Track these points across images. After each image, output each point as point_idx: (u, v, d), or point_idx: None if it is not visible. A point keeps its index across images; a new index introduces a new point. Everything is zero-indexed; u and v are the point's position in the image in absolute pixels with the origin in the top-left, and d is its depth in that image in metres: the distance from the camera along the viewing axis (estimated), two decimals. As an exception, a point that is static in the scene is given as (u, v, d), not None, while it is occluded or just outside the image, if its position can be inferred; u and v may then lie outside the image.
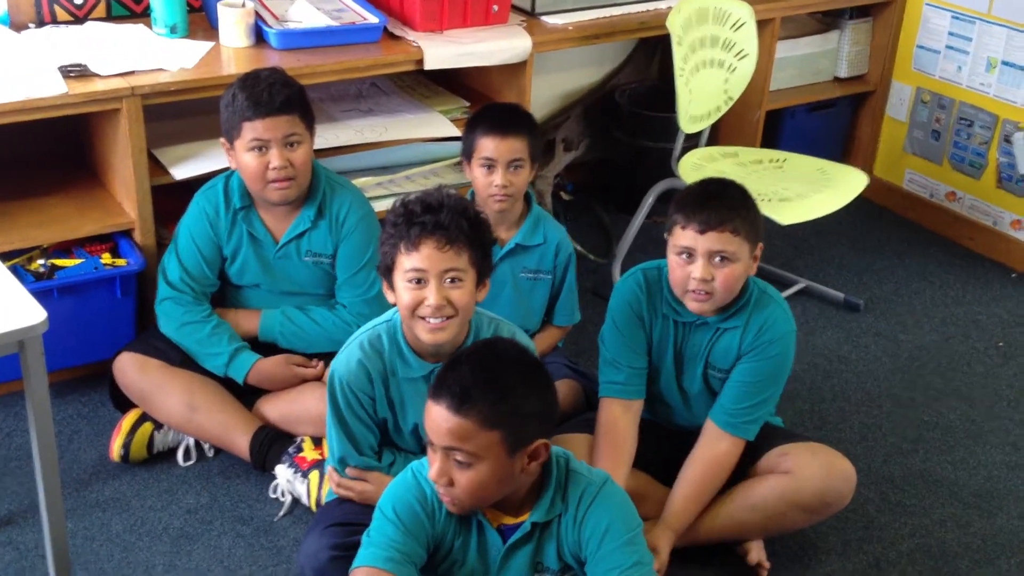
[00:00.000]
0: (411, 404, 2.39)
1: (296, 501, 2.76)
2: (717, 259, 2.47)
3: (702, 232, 2.46)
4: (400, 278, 2.26)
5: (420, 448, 2.42)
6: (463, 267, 2.24)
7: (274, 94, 2.71)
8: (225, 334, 2.88)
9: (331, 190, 2.90)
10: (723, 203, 2.49)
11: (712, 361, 2.62)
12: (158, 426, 2.87)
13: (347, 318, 2.91)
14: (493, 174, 2.85)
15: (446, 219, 2.21)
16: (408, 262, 2.23)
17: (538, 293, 3.02)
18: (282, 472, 2.76)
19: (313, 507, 2.70)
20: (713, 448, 2.60)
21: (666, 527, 2.56)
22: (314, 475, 2.71)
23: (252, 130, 2.72)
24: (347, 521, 2.38)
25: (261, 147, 2.73)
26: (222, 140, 2.81)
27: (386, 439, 2.48)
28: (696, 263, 2.48)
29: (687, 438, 2.71)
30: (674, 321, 2.62)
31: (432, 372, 2.32)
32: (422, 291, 2.24)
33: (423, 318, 2.26)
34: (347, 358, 2.37)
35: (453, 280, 2.24)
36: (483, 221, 2.31)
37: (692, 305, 2.54)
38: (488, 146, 2.85)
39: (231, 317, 2.93)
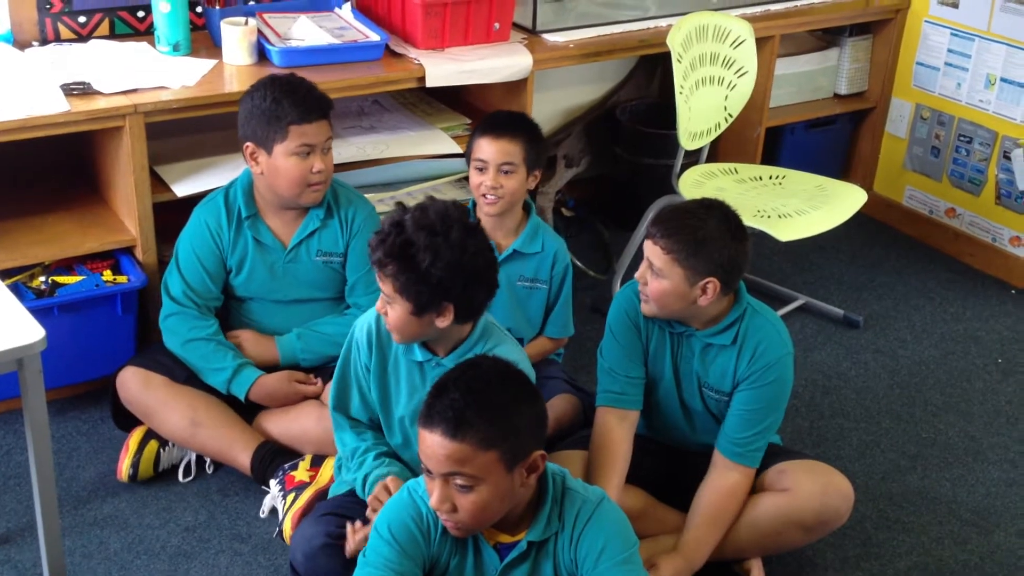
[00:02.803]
0: (406, 386, 2.45)
1: (287, 516, 2.76)
2: (652, 269, 2.53)
3: (648, 237, 2.53)
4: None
5: (404, 441, 2.50)
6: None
7: (319, 99, 2.80)
8: (229, 350, 2.89)
9: (336, 191, 2.96)
10: (677, 220, 2.52)
11: (707, 380, 2.62)
12: (163, 443, 2.88)
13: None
14: (484, 175, 2.88)
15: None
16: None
17: (534, 302, 3.03)
18: (273, 486, 2.76)
19: (286, 528, 2.67)
20: (724, 479, 2.60)
21: (680, 556, 2.56)
22: (291, 497, 2.69)
23: (302, 135, 2.76)
24: (343, 512, 2.42)
25: (307, 151, 2.78)
26: (247, 144, 2.82)
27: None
28: (642, 264, 2.56)
29: (688, 457, 2.72)
30: (669, 333, 2.64)
31: (430, 360, 2.40)
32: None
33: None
34: (368, 319, 2.47)
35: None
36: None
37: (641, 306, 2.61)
38: (481, 147, 2.90)
39: (246, 348, 2.94)
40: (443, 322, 2.31)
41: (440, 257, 2.24)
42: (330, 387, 2.57)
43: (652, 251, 2.51)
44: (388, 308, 2.32)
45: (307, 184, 2.82)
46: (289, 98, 2.76)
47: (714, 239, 2.48)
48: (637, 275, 2.57)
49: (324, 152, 2.82)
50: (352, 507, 2.44)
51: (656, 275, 2.51)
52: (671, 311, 2.55)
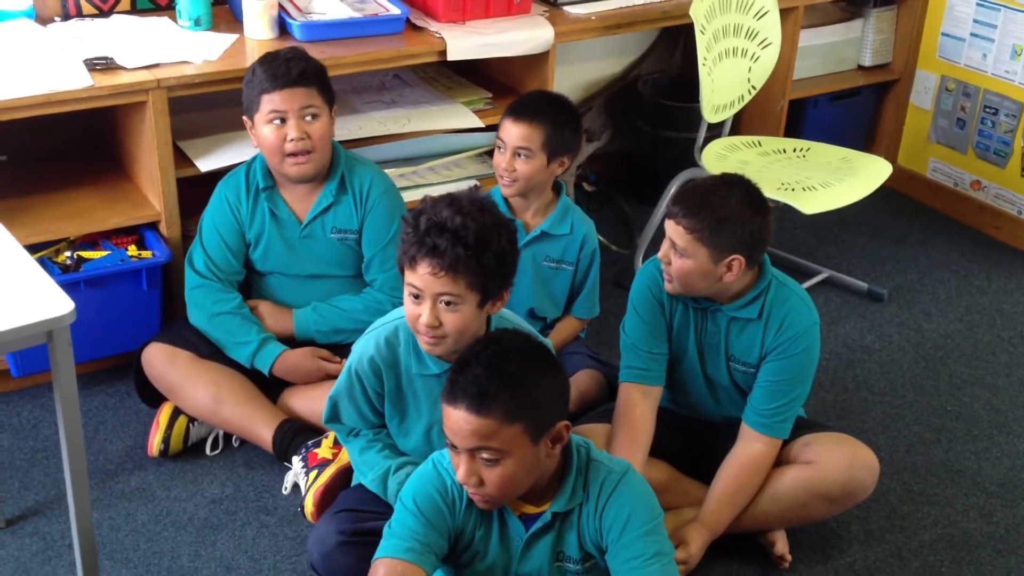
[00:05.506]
0: (426, 401, 2.40)
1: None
2: (675, 248, 2.51)
3: (669, 217, 2.52)
4: (405, 287, 2.26)
5: (429, 451, 2.37)
6: (459, 292, 2.19)
7: (292, 67, 2.77)
8: (254, 325, 2.90)
9: (351, 166, 2.94)
10: (699, 198, 2.50)
11: (734, 353, 2.62)
12: (192, 418, 2.90)
13: (379, 297, 2.93)
14: (502, 156, 2.90)
15: (444, 245, 2.15)
16: (408, 276, 2.23)
17: (558, 282, 3.03)
18: (296, 462, 2.77)
19: (307, 505, 2.68)
20: (748, 449, 2.60)
21: (700, 524, 2.57)
22: (313, 474, 2.70)
23: (270, 102, 2.77)
24: (357, 508, 2.42)
25: (279, 119, 2.77)
26: (245, 118, 2.86)
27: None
28: (664, 243, 2.55)
29: (712, 430, 2.72)
30: (693, 308, 2.63)
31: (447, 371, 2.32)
32: (419, 307, 2.23)
33: (418, 332, 2.26)
34: (363, 349, 2.40)
35: (448, 303, 2.21)
36: (492, 243, 2.20)
37: (665, 284, 2.60)
38: (504, 127, 2.91)
39: (264, 317, 2.95)
40: (499, 306, 2.28)
41: (501, 234, 2.20)
42: (325, 404, 2.51)
43: (674, 231, 2.50)
44: (449, 315, 2.20)
45: (284, 153, 2.80)
46: (262, 67, 2.78)
47: (737, 216, 2.47)
48: (660, 255, 2.56)
49: (306, 120, 2.78)
50: (366, 503, 2.43)
51: (679, 254, 2.50)
52: (695, 290, 2.55)
